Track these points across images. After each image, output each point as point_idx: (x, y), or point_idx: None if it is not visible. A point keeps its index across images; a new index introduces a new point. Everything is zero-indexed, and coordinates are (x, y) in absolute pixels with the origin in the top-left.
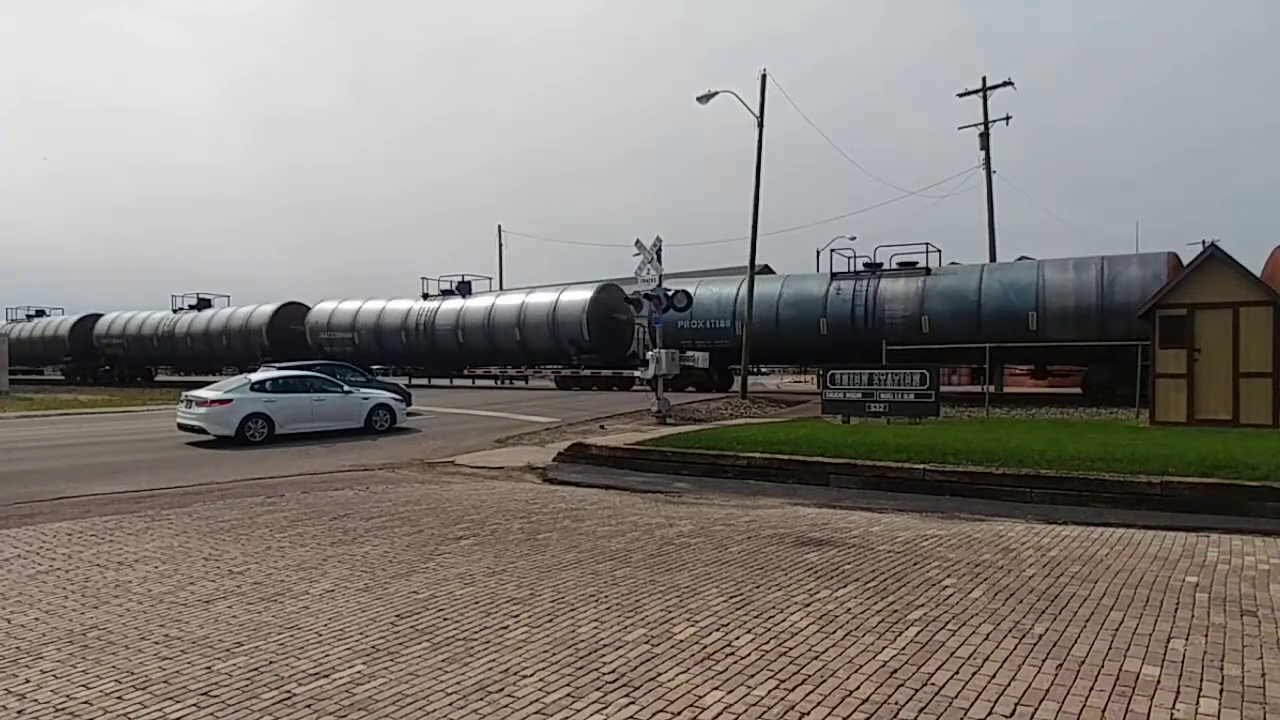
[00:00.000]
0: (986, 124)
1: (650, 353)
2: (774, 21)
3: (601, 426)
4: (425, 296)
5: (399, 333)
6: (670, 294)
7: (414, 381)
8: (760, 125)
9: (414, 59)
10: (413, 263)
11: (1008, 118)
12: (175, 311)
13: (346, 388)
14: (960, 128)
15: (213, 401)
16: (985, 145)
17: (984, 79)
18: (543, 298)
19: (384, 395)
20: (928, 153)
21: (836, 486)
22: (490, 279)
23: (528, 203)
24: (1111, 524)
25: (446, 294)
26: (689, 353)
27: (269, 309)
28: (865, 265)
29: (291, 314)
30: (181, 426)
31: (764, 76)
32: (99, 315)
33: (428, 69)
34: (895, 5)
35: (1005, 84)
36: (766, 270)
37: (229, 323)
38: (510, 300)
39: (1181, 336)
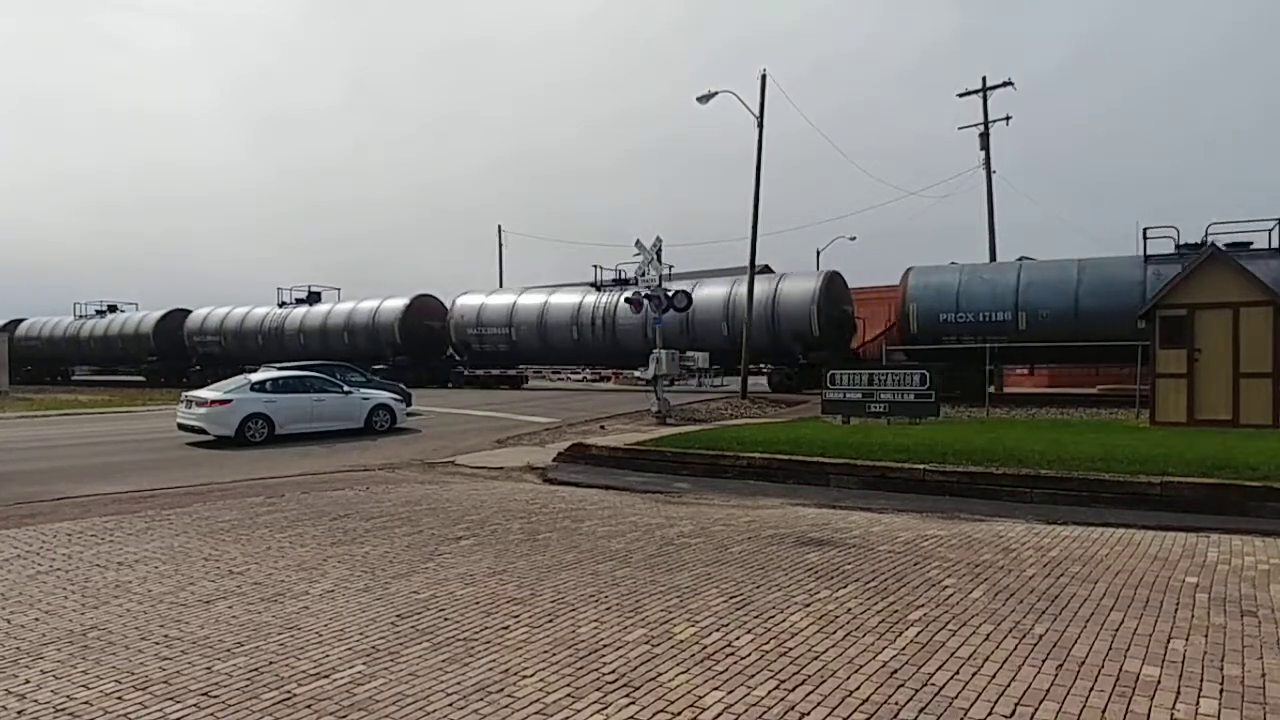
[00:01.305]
0: (986, 124)
1: (651, 353)
2: (774, 21)
3: (601, 427)
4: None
5: (570, 328)
6: (670, 294)
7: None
8: (760, 125)
9: (414, 59)
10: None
11: (1008, 118)
12: (281, 305)
13: (346, 388)
14: (960, 128)
15: (213, 402)
16: (985, 145)
17: (984, 79)
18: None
19: (384, 395)
20: (928, 153)
21: (837, 487)
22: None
23: (528, 203)
24: (1111, 524)
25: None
26: (689, 353)
27: (400, 303)
28: None
29: (426, 308)
30: (181, 427)
31: (764, 77)
32: (188, 310)
33: (428, 69)
34: (895, 5)
35: (1005, 84)
36: (766, 270)
37: (351, 318)
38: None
39: (1181, 336)
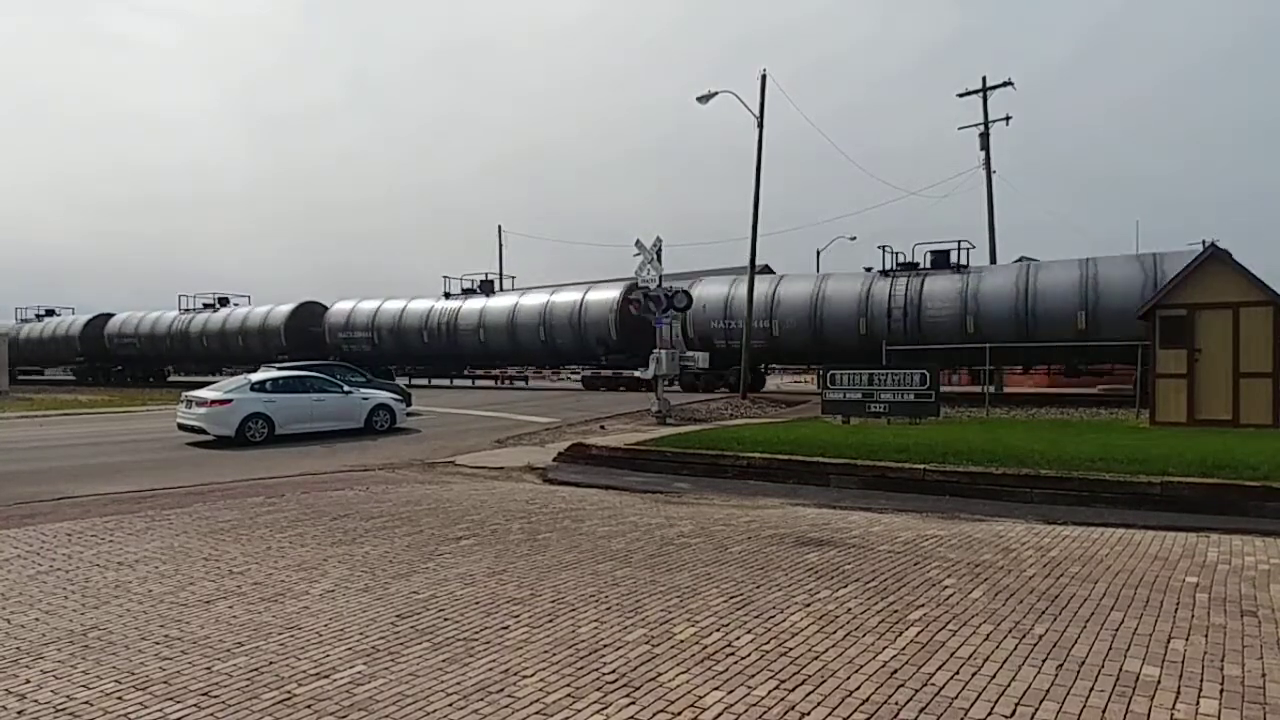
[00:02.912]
0: (986, 124)
1: (651, 353)
2: (774, 21)
3: (601, 427)
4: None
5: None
6: (670, 294)
7: (414, 382)
8: (760, 125)
9: (414, 59)
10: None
11: (1008, 118)
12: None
13: (346, 388)
14: (960, 128)
15: (213, 402)
16: (985, 145)
17: (984, 79)
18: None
19: (384, 395)
20: (928, 153)
21: (837, 487)
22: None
23: (528, 203)
24: (1111, 524)
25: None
26: (689, 353)
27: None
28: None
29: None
30: (182, 427)
31: (764, 77)
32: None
33: (428, 69)
34: (895, 5)
35: (1005, 84)
36: (766, 270)
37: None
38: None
39: (1181, 337)
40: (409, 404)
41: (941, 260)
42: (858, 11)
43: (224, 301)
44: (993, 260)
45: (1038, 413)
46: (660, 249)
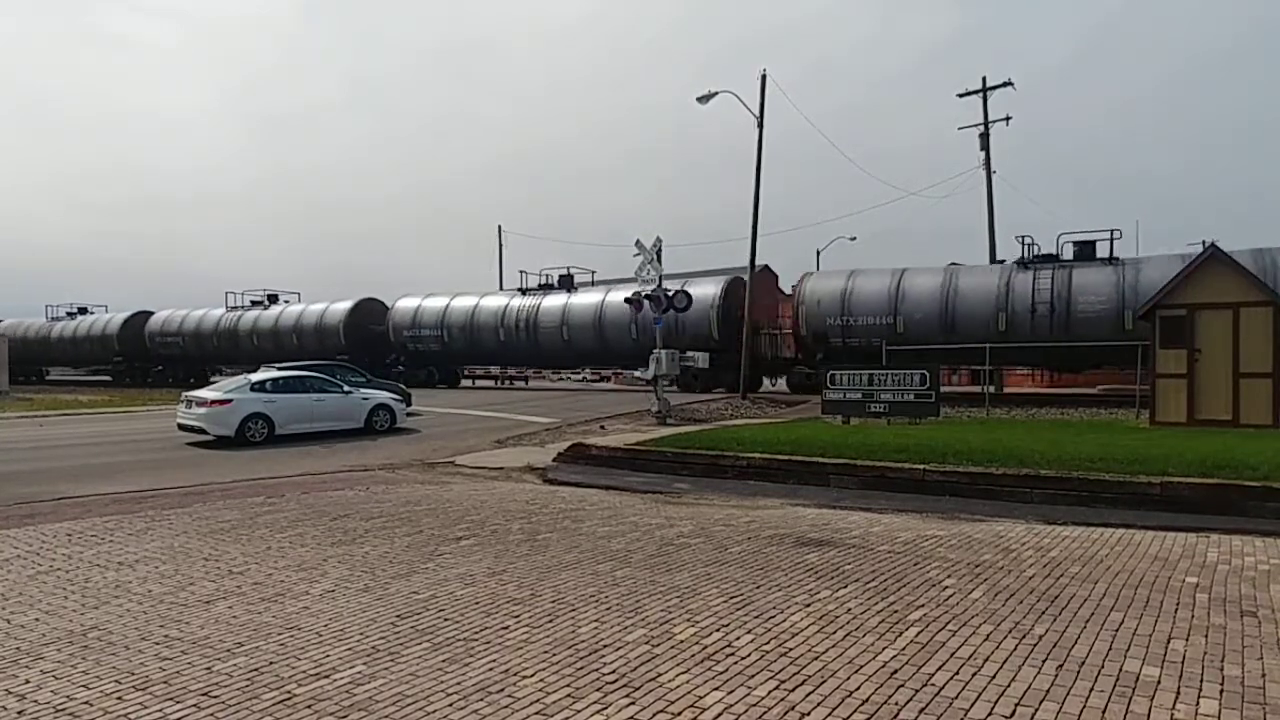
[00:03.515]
0: (986, 124)
1: (651, 353)
2: (774, 21)
3: (601, 427)
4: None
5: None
6: (670, 294)
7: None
8: (760, 125)
9: (414, 59)
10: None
11: (1008, 118)
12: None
13: (346, 388)
14: (960, 128)
15: (213, 402)
16: (985, 145)
17: (984, 79)
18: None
19: (384, 395)
20: (928, 153)
21: (836, 487)
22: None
23: (528, 203)
24: (1111, 524)
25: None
26: (689, 352)
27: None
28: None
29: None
30: (182, 427)
31: (764, 77)
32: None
33: (428, 69)
34: (895, 5)
35: (1005, 84)
36: (766, 270)
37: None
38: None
39: (1181, 337)
40: (409, 404)
41: (1087, 251)
42: (858, 11)
43: (274, 299)
44: (992, 259)
45: (1037, 413)
46: (660, 249)
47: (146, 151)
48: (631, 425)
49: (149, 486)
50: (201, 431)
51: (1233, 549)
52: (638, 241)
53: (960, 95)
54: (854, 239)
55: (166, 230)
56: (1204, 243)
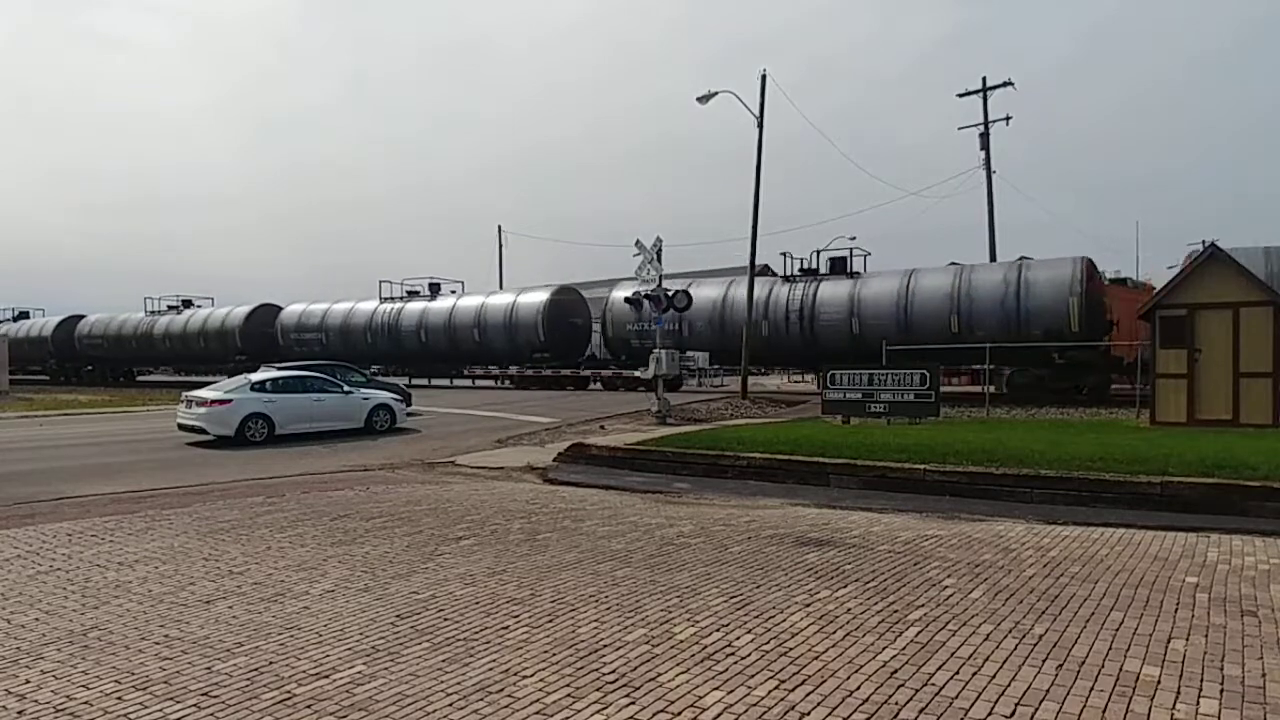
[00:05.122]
0: (986, 124)
1: (652, 353)
2: (774, 21)
3: (601, 427)
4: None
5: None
6: (670, 294)
7: (414, 381)
8: (760, 125)
9: (414, 59)
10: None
11: (1008, 118)
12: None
13: (346, 388)
14: (960, 128)
15: (213, 402)
16: (985, 145)
17: (984, 79)
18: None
19: (384, 395)
20: (928, 153)
21: (836, 487)
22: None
23: (528, 203)
24: (1111, 524)
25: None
26: (689, 352)
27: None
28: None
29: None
30: (181, 427)
31: (764, 77)
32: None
33: (428, 69)
34: (895, 4)
35: (1005, 84)
36: (766, 271)
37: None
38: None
39: (1181, 336)
40: (409, 404)
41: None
42: (858, 11)
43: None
44: (992, 259)
45: (1037, 413)
46: (660, 249)
47: (146, 151)
48: (631, 425)
49: (149, 486)
50: (201, 431)
51: (1233, 549)
52: (638, 241)
53: (960, 95)
54: (854, 239)
55: (166, 230)
56: (1204, 243)
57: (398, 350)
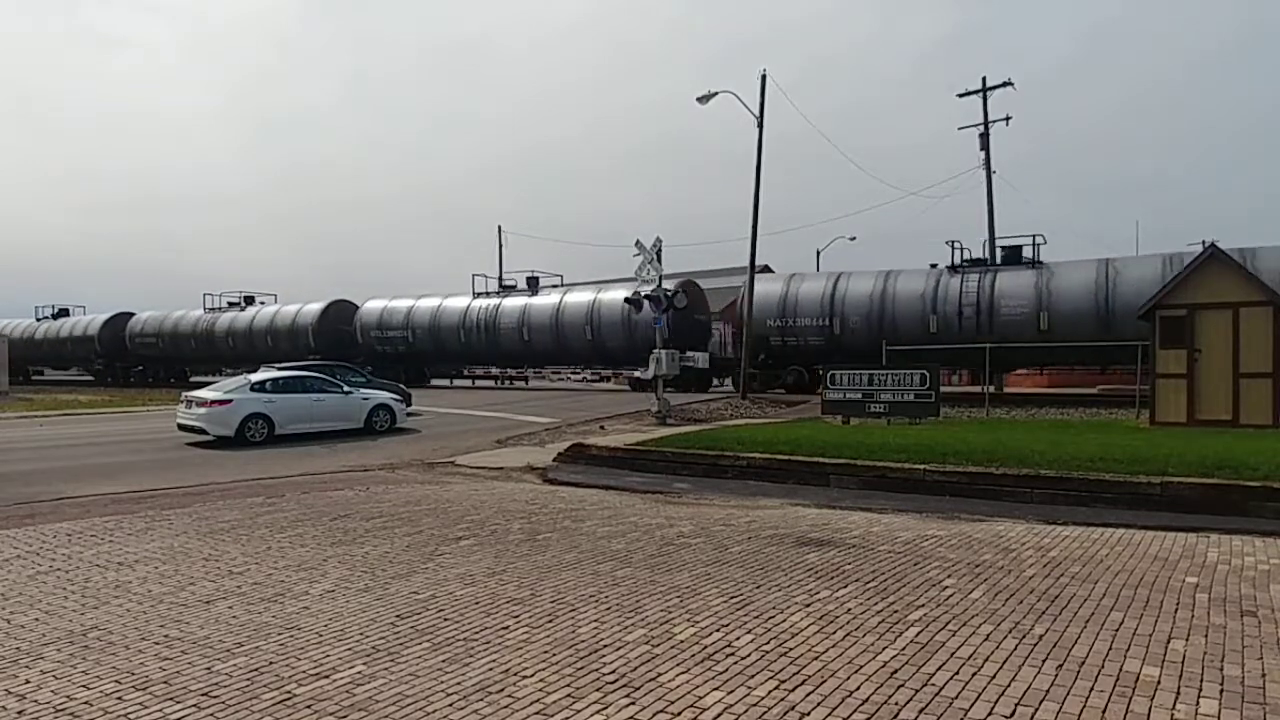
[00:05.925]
0: (986, 124)
1: (651, 353)
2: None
3: (601, 427)
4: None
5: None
6: (671, 294)
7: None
8: (760, 125)
9: (414, 59)
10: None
11: (1008, 118)
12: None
13: (346, 388)
14: (960, 128)
15: (213, 402)
16: (985, 145)
17: (984, 79)
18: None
19: (384, 395)
20: (928, 153)
21: (837, 487)
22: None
23: (527, 203)
24: (1111, 524)
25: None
26: (689, 353)
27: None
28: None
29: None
30: (181, 427)
31: (764, 77)
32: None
33: (428, 69)
34: (895, 4)
35: (1005, 84)
36: (766, 270)
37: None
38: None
39: (1181, 337)
40: (409, 404)
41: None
42: (858, 11)
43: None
44: (992, 260)
45: (1037, 413)
46: (660, 249)
47: (146, 151)
48: (631, 425)
49: (149, 486)
50: (201, 431)
51: (1233, 549)
52: (637, 241)
53: (960, 95)
54: (854, 239)
55: (166, 230)
56: (1204, 243)
57: (495, 349)
